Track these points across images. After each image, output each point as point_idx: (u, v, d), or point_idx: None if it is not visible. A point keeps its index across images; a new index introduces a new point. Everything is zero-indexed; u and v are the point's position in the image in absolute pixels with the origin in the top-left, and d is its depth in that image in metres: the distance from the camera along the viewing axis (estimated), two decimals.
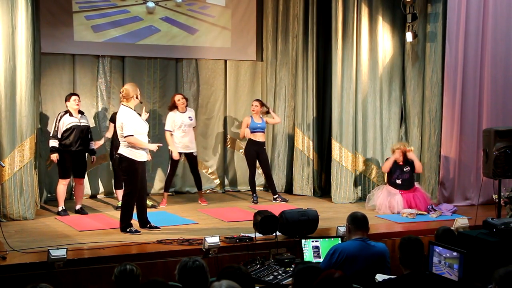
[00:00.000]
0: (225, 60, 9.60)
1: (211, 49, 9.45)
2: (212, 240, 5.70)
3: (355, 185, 8.73)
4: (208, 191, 9.27)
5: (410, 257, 4.02)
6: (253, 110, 8.62)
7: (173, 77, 9.27)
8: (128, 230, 6.49)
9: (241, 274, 3.58)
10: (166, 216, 7.48)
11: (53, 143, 7.47)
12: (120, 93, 6.72)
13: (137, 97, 6.61)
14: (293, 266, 5.18)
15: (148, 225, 6.67)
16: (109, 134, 8.18)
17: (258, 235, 5.99)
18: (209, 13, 9.41)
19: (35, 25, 7.61)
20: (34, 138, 7.41)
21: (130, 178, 6.55)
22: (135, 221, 6.70)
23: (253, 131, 8.60)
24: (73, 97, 7.68)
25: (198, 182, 8.52)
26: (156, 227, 6.67)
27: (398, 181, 7.99)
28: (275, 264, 5.27)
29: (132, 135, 6.44)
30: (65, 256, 5.18)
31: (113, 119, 8.00)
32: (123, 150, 6.54)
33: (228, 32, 9.53)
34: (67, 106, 7.68)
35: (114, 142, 7.90)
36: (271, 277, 4.97)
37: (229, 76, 9.62)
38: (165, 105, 9.16)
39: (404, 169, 8.03)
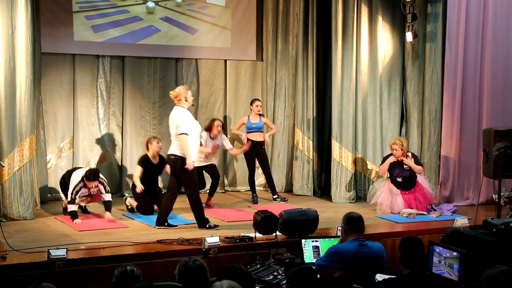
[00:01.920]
0: (225, 60, 9.60)
1: (211, 49, 9.45)
2: (212, 240, 5.70)
3: (355, 185, 8.72)
4: (208, 191, 9.25)
5: (410, 257, 4.02)
6: (259, 110, 8.67)
7: (173, 77, 9.27)
8: (207, 226, 6.65)
9: (242, 274, 3.59)
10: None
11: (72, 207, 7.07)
12: (170, 94, 6.79)
13: (186, 100, 6.65)
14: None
15: (166, 224, 6.76)
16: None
17: (258, 235, 5.99)
18: (209, 13, 9.41)
19: (35, 25, 7.60)
20: (34, 138, 7.40)
21: (188, 175, 6.60)
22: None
23: (249, 131, 8.62)
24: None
25: (213, 187, 8.47)
26: (174, 226, 6.78)
27: (399, 179, 7.89)
28: (275, 264, 5.26)
29: (187, 134, 6.49)
30: (65, 256, 5.18)
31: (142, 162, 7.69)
32: (176, 150, 6.58)
33: (228, 32, 9.53)
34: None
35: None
36: (271, 277, 4.97)
37: (229, 76, 9.62)
38: (165, 105, 9.17)
39: (404, 167, 7.91)
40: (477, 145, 8.24)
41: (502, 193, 7.07)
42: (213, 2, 9.43)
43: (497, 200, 7.12)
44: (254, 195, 8.61)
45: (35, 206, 7.52)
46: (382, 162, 8.10)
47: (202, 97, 9.47)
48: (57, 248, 5.23)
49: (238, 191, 9.62)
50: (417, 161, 8.05)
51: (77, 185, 7.00)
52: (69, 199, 7.04)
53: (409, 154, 8.00)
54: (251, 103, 8.81)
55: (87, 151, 8.80)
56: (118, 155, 8.98)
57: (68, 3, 8.56)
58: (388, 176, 8.08)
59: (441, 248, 4.53)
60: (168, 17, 9.17)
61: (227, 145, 8.44)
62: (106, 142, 8.91)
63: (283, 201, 8.56)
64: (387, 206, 7.80)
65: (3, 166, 6.83)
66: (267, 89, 9.66)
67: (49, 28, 8.38)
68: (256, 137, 8.63)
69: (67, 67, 8.67)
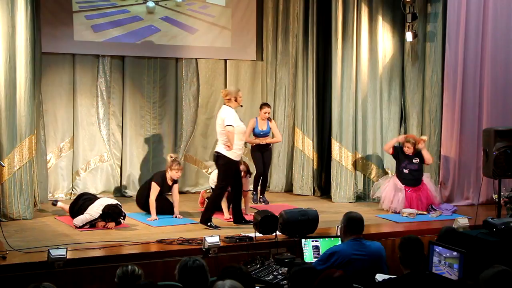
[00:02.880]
0: (225, 60, 9.59)
1: (211, 48, 9.45)
2: (212, 239, 5.71)
3: (355, 184, 8.72)
4: (208, 191, 9.23)
5: (410, 257, 4.01)
6: (267, 117, 8.51)
7: (173, 76, 9.26)
8: (209, 224, 6.75)
9: (242, 274, 3.59)
10: (166, 215, 7.44)
11: None
12: (221, 92, 7.07)
13: (236, 100, 6.87)
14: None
15: (243, 221, 6.94)
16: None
17: (258, 234, 5.99)
18: (209, 13, 9.41)
19: (36, 25, 7.60)
20: (34, 137, 7.40)
21: (225, 175, 6.83)
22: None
23: (257, 136, 8.53)
24: None
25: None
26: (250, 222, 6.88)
27: (406, 171, 7.90)
28: (275, 264, 5.27)
29: (233, 126, 6.69)
30: (65, 255, 5.18)
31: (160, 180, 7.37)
32: (221, 148, 6.77)
33: (228, 31, 9.53)
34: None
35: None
36: (271, 276, 4.97)
37: (229, 75, 9.61)
38: (165, 105, 9.18)
39: (414, 160, 7.94)
40: (477, 145, 8.25)
41: (502, 193, 7.08)
42: (213, 2, 9.42)
43: (497, 200, 7.13)
44: (254, 193, 8.59)
45: (35, 206, 7.51)
46: (395, 151, 8.10)
47: (202, 97, 9.46)
48: (57, 248, 5.24)
49: None
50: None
51: (94, 220, 6.69)
52: (79, 225, 6.67)
53: (424, 137, 8.06)
54: (260, 108, 8.63)
55: (87, 151, 8.80)
56: (118, 155, 8.98)
57: (68, 3, 8.55)
58: (395, 171, 8.11)
59: (441, 248, 4.53)
60: (168, 17, 9.17)
61: (245, 186, 7.65)
62: (106, 142, 8.90)
63: (264, 202, 8.47)
64: (390, 200, 7.81)
65: (3, 166, 6.82)
66: (267, 89, 9.66)
67: (49, 28, 8.37)
68: (263, 140, 8.55)
69: (67, 67, 8.66)
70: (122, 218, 6.86)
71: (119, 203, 6.94)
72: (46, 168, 8.41)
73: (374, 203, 8.27)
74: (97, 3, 8.77)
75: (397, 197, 7.81)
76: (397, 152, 8.06)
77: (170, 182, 7.37)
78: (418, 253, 4.04)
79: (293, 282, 3.71)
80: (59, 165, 8.68)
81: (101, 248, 5.78)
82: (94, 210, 6.74)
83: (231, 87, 7.22)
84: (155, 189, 7.26)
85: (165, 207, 7.42)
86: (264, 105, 8.71)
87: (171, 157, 7.49)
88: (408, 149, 7.95)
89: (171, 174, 7.31)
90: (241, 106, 7.07)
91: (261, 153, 8.58)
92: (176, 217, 7.28)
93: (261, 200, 8.56)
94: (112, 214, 6.69)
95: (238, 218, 6.99)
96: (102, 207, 6.70)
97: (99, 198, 7.13)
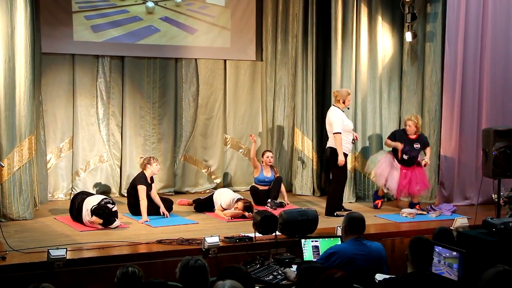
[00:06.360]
0: (225, 60, 9.59)
1: (210, 49, 9.45)
2: (212, 240, 5.71)
3: (355, 185, 8.72)
4: (207, 191, 9.25)
5: (419, 257, 3.99)
6: (270, 162, 8.37)
7: (173, 77, 9.26)
8: (335, 214, 7.45)
9: (241, 274, 3.59)
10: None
11: None
12: (333, 92, 7.86)
13: (344, 102, 7.56)
14: (293, 266, 5.20)
15: (342, 209, 7.63)
16: None
17: (258, 235, 5.99)
18: (209, 13, 9.41)
19: (35, 25, 7.61)
20: (33, 138, 7.40)
21: (342, 168, 7.54)
22: None
23: (259, 183, 8.38)
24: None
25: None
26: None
27: (405, 157, 7.89)
28: (274, 264, 5.27)
29: (340, 133, 7.43)
30: (65, 256, 5.18)
31: None
32: (333, 143, 7.50)
33: (228, 32, 9.53)
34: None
35: None
36: (270, 277, 4.98)
37: (228, 76, 9.61)
38: (165, 105, 9.18)
39: (415, 146, 7.93)
40: (477, 145, 8.25)
41: (501, 193, 7.08)
42: (212, 2, 9.42)
43: (496, 200, 7.13)
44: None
45: (34, 206, 7.51)
46: (392, 137, 8.09)
47: (202, 97, 9.46)
48: (57, 248, 5.24)
49: (238, 191, 9.60)
50: (426, 142, 8.13)
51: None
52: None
53: (425, 161, 7.97)
54: (262, 155, 8.51)
55: (86, 151, 8.80)
56: (117, 155, 8.98)
57: (67, 3, 8.56)
58: (391, 149, 8.11)
59: (440, 248, 4.53)
60: (167, 17, 9.17)
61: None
62: (106, 142, 8.90)
63: (273, 206, 8.06)
64: (384, 177, 7.87)
65: (3, 166, 6.81)
66: (266, 89, 9.66)
67: (49, 28, 8.37)
68: (263, 188, 8.36)
69: (66, 67, 8.67)
70: (115, 217, 6.81)
71: (107, 198, 6.92)
72: (46, 169, 8.42)
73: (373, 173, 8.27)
74: (96, 3, 8.78)
75: (391, 175, 7.86)
76: (394, 137, 8.03)
77: (149, 181, 7.39)
78: (428, 253, 4.03)
79: (301, 279, 3.70)
80: (58, 165, 8.68)
81: (101, 248, 5.78)
82: (86, 214, 6.72)
83: (345, 90, 7.76)
84: (143, 190, 7.22)
85: (153, 208, 7.36)
86: (265, 151, 8.63)
87: (142, 157, 7.65)
88: (410, 128, 7.93)
89: (152, 170, 7.37)
90: (348, 108, 7.70)
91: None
92: (163, 213, 7.28)
93: (269, 204, 8.09)
94: (102, 215, 6.66)
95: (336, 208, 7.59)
96: (90, 212, 6.68)
97: (89, 197, 7.05)
